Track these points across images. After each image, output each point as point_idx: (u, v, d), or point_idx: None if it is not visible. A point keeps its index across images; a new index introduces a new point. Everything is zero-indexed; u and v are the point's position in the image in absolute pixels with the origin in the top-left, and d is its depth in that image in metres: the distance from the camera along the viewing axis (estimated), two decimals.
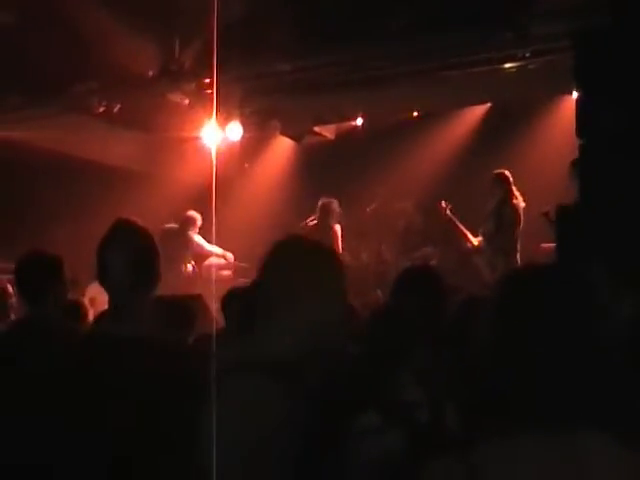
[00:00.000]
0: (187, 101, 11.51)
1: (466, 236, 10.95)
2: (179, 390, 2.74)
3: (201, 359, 2.98)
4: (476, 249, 10.82)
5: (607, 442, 1.62)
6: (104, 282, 3.01)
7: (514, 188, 10.44)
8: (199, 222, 12.28)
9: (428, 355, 3.38)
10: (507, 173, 10.53)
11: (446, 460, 1.70)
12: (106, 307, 3.20)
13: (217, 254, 12.43)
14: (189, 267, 12.43)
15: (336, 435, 2.96)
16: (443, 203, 11.08)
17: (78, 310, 6.33)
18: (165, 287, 11.37)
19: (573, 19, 7.85)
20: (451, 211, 11.10)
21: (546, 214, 10.04)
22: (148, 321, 2.98)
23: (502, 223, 10.34)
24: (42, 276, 4.23)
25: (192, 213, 12.26)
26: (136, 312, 2.94)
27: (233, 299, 4.95)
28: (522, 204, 10.37)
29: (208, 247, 12.34)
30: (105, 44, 9.78)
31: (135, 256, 2.97)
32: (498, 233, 10.38)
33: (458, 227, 11.00)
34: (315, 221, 11.98)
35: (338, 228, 11.98)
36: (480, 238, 10.72)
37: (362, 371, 3.33)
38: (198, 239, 12.34)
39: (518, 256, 10.32)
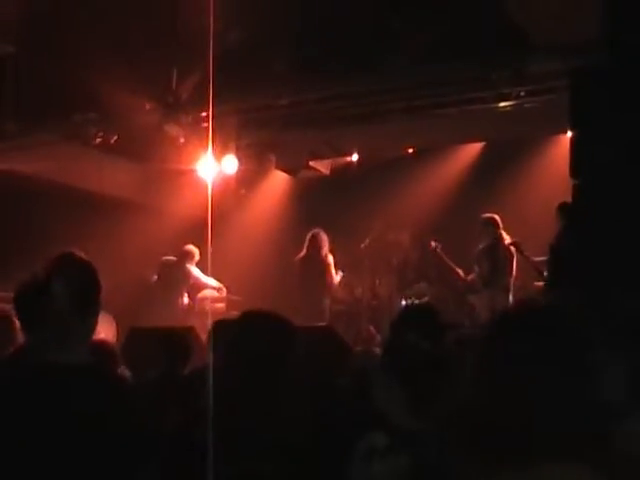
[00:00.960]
0: (183, 134, 11.56)
1: (456, 273, 11.14)
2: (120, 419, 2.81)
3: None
4: (468, 286, 10.97)
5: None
6: (47, 313, 3.07)
7: (502, 231, 10.62)
8: (197, 256, 12.30)
9: (430, 390, 3.42)
10: (496, 217, 10.70)
11: None
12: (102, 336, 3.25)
13: (213, 287, 12.43)
14: (185, 300, 12.43)
15: (345, 453, 2.99)
16: (432, 243, 11.28)
17: None
18: (161, 319, 11.32)
19: (569, 58, 7.92)
20: (441, 250, 11.28)
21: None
22: (87, 352, 3.04)
23: (497, 263, 10.52)
24: None
25: (190, 247, 12.28)
26: (78, 340, 2.98)
27: (222, 331, 4.94)
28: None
29: (204, 279, 12.34)
30: (103, 76, 9.83)
31: (77, 286, 3.03)
32: (495, 273, 10.54)
33: (448, 264, 11.19)
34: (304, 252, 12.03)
35: (330, 258, 12.01)
36: (472, 276, 10.89)
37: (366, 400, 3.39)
38: (196, 271, 12.35)
39: (511, 295, 10.46)
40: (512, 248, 10.48)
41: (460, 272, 11.12)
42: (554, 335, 1.73)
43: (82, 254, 3.15)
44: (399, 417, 3.26)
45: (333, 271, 12.01)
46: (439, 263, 11.40)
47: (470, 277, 10.97)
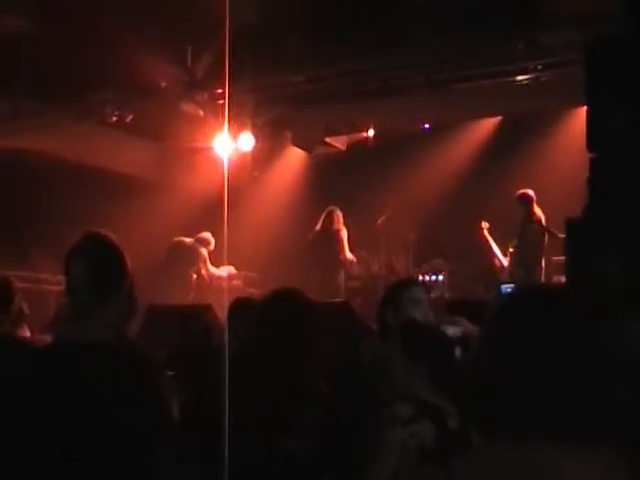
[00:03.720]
0: (200, 111, 11.55)
1: (497, 257, 11.19)
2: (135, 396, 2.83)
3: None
4: (502, 269, 11.08)
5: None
6: (68, 291, 3.09)
7: (535, 206, 10.60)
8: (212, 244, 12.35)
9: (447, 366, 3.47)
10: (529, 192, 10.69)
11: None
12: None
13: (220, 275, 12.48)
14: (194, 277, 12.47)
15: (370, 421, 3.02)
16: (483, 224, 11.29)
17: None
18: (175, 297, 11.33)
19: (584, 31, 7.85)
20: (489, 231, 11.32)
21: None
22: (118, 327, 3.05)
23: (524, 240, 10.58)
24: None
25: (206, 234, 12.31)
26: (98, 318, 2.99)
27: (240, 310, 4.95)
28: (543, 221, 10.57)
29: (213, 269, 12.46)
30: (119, 54, 9.83)
31: (98, 264, 3.04)
32: (519, 249, 10.61)
33: (491, 248, 11.24)
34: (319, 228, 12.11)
35: (344, 234, 12.06)
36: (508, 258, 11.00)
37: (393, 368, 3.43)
38: (210, 267, 12.45)
39: (541, 271, 10.48)
40: (542, 226, 10.50)
41: (502, 259, 11.17)
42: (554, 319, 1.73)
43: (109, 235, 3.16)
44: (419, 391, 3.28)
45: (347, 247, 12.05)
46: (483, 242, 11.44)
47: (507, 259, 11.04)
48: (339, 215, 12.08)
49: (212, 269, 12.50)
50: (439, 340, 3.61)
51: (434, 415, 3.17)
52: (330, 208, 12.10)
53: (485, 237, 11.40)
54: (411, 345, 3.47)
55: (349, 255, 12.12)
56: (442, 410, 3.18)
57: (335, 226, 12.05)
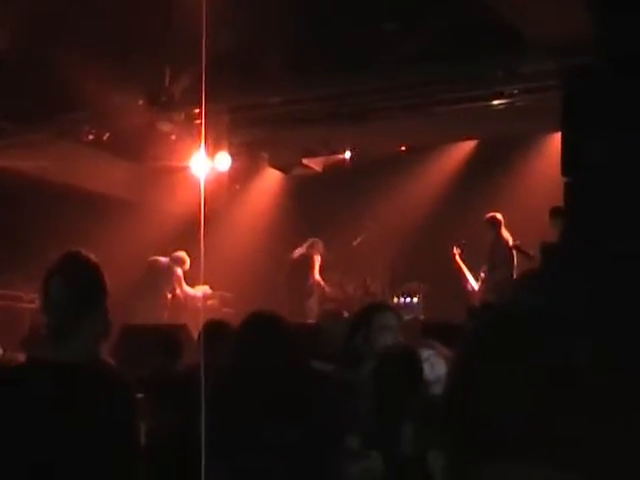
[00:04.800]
0: (176, 131, 11.56)
1: (469, 282, 11.23)
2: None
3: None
4: (474, 293, 11.12)
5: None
6: (46, 309, 3.09)
7: (503, 229, 10.66)
8: (187, 264, 12.32)
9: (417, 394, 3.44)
10: (497, 215, 10.74)
11: None
12: None
13: (195, 295, 12.47)
14: (168, 299, 12.44)
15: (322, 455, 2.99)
16: (455, 249, 11.34)
17: None
18: (150, 316, 11.28)
19: (561, 58, 7.94)
20: (460, 256, 11.35)
21: (517, 247, 10.33)
22: (93, 348, 3.05)
23: (493, 263, 10.61)
24: None
25: (181, 253, 12.29)
26: (75, 338, 2.99)
27: (215, 333, 4.93)
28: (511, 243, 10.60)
29: (188, 289, 12.45)
30: (95, 73, 9.81)
31: (77, 284, 3.04)
32: (489, 273, 10.64)
33: (464, 273, 11.28)
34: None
35: (317, 258, 12.21)
36: (479, 287, 11.03)
37: (347, 397, 3.39)
38: (185, 287, 12.43)
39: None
40: (513, 250, 10.54)
41: (473, 284, 11.19)
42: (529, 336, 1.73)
43: (89, 254, 3.16)
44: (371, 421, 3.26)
45: (316, 272, 12.22)
46: (455, 267, 11.48)
47: (478, 288, 11.07)
48: (319, 246, 12.28)
49: (187, 289, 12.47)
50: (409, 367, 3.59)
51: (385, 446, 3.12)
52: (312, 240, 12.33)
53: (457, 262, 11.44)
54: (381, 374, 3.45)
55: (318, 278, 12.29)
56: (394, 436, 3.14)
57: (309, 251, 12.24)
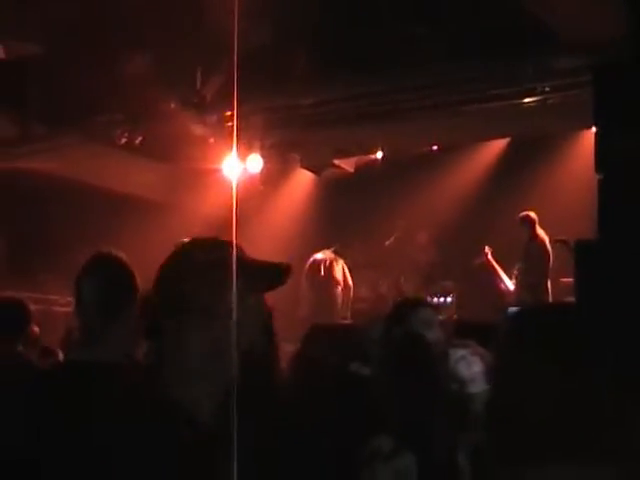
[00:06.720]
0: (209, 133, 11.59)
1: (503, 281, 11.16)
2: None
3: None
4: (508, 292, 11.05)
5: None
6: (78, 310, 3.09)
7: (538, 227, 10.59)
8: None
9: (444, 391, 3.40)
10: (532, 214, 10.67)
11: None
12: None
13: None
14: None
15: (348, 457, 2.96)
16: (486, 248, 11.29)
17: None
18: None
19: (593, 54, 7.87)
20: (493, 255, 11.30)
21: (563, 241, 10.21)
22: (125, 348, 3.04)
23: (529, 261, 10.55)
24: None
25: None
26: (108, 339, 2.99)
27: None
28: (547, 242, 10.55)
29: None
30: (128, 76, 9.87)
31: (108, 284, 3.04)
32: (524, 271, 10.59)
33: (497, 272, 11.21)
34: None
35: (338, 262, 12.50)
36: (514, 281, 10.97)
37: (376, 394, 3.35)
38: None
39: (547, 292, 10.42)
40: (549, 247, 10.47)
41: (507, 283, 11.13)
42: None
43: (120, 254, 3.16)
44: (402, 418, 3.21)
45: (337, 274, 12.32)
46: (487, 267, 11.42)
47: (513, 281, 11.00)
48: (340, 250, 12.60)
49: None
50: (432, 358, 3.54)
51: (417, 445, 3.06)
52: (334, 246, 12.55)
53: (490, 262, 11.38)
54: (402, 362, 3.40)
55: (339, 279, 12.39)
56: (427, 438, 3.10)
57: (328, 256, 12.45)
